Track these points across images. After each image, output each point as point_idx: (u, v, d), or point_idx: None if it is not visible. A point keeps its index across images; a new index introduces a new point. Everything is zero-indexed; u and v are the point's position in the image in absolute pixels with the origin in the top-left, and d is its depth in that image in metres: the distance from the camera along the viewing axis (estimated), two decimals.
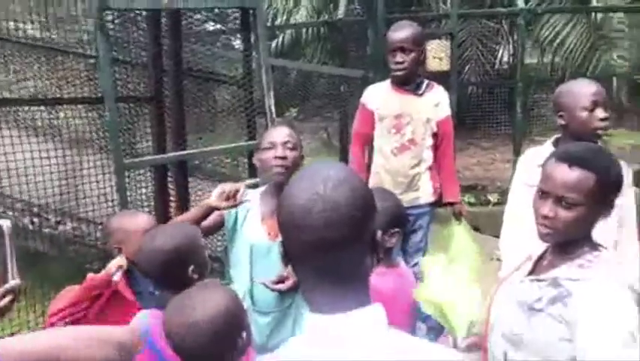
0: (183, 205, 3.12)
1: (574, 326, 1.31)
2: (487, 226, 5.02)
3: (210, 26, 3.57)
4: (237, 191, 1.93)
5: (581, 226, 1.38)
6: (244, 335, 1.33)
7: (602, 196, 1.36)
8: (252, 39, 2.96)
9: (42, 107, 3.40)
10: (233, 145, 2.99)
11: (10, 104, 3.38)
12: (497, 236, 2.45)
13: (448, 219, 3.40)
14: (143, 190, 3.26)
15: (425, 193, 2.95)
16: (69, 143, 3.51)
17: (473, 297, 1.53)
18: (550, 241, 1.44)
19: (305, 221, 0.88)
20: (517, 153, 5.36)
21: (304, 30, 7.59)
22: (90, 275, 1.88)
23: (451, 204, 3.07)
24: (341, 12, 5.68)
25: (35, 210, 3.62)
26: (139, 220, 2.02)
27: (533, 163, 2.03)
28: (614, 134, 6.88)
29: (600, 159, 1.40)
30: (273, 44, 7.58)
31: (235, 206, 1.95)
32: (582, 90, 2.06)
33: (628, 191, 2.06)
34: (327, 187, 0.89)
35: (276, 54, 7.43)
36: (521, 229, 2.02)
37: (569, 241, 1.40)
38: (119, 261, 1.90)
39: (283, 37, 7.82)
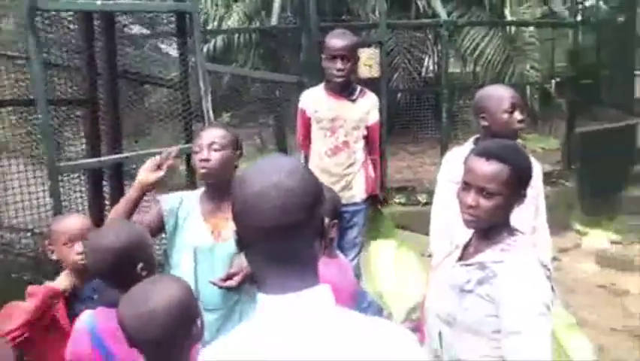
0: None
1: (499, 302, 1.48)
2: (418, 224, 5.28)
3: (143, 29, 3.54)
4: (165, 159, 2.01)
5: (500, 213, 1.55)
6: (198, 322, 1.38)
7: (516, 186, 1.54)
8: (189, 43, 2.98)
9: None
10: (157, 150, 2.99)
11: None
12: (427, 234, 2.62)
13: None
14: (77, 195, 3.17)
15: (359, 191, 3.13)
16: None
17: (417, 282, 1.67)
18: (474, 228, 1.60)
19: (261, 207, 0.95)
20: (444, 155, 5.70)
21: (236, 36, 7.60)
22: (30, 288, 1.83)
23: (375, 196, 3.29)
24: (274, 19, 5.77)
25: None
26: (73, 222, 2.01)
27: (456, 161, 2.22)
28: (528, 138, 7.45)
29: (513, 153, 1.58)
30: (205, 49, 7.53)
31: (164, 175, 2.01)
32: (502, 94, 2.28)
33: (539, 184, 2.30)
34: (281, 176, 0.96)
35: (207, 59, 7.38)
36: (447, 221, 2.20)
37: (490, 227, 1.57)
38: (61, 282, 1.87)
39: (215, 43, 7.78)
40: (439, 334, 1.60)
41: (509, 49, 7.33)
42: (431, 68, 8.42)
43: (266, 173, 0.97)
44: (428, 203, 5.74)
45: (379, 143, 3.34)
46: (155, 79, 3.34)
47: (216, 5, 8.01)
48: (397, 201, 5.85)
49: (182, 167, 3.06)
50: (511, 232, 1.58)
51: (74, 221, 2.04)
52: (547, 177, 6.39)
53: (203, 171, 1.97)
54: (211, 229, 2.02)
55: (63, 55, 3.17)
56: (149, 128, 3.38)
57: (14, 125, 3.25)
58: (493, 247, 1.56)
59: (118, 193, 3.10)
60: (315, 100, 3.10)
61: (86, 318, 1.59)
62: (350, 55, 2.94)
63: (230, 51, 7.84)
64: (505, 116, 2.25)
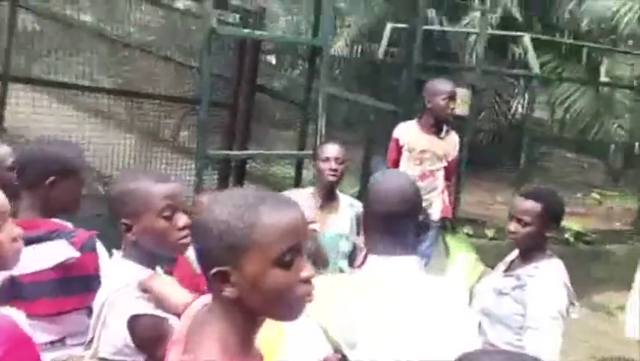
0: None
1: (526, 305, 2.01)
2: (483, 256, 5.67)
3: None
4: None
5: (533, 238, 2.10)
6: None
7: (546, 220, 2.08)
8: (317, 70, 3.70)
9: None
10: (289, 152, 3.73)
11: (110, 93, 4.14)
12: (491, 267, 3.10)
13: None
14: (208, 182, 3.96)
15: (435, 211, 3.73)
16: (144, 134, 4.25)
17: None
18: (515, 247, 2.15)
19: (387, 199, 1.57)
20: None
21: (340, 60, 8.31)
22: None
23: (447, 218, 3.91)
24: (381, 52, 6.42)
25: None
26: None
27: None
28: (608, 195, 7.60)
29: (548, 195, 2.12)
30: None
31: None
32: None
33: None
34: (401, 181, 1.60)
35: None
36: None
37: (529, 249, 2.11)
38: None
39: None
40: (479, 323, 2.16)
41: (599, 105, 7.55)
42: (520, 111, 8.72)
43: (392, 179, 1.62)
44: (495, 238, 6.14)
45: (454, 175, 3.99)
46: (285, 95, 4.11)
47: None
48: (466, 232, 6.26)
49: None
50: (547, 255, 2.12)
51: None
52: (619, 235, 6.57)
53: (331, 178, 2.66)
54: (317, 221, 2.69)
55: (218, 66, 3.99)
56: (272, 136, 4.13)
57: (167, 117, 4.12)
58: (529, 264, 2.10)
59: (239, 185, 3.86)
60: (409, 132, 3.75)
61: None
62: (455, 99, 3.68)
63: (331, 73, 8.56)
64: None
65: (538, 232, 2.09)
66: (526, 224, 2.08)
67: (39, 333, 1.73)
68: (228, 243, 0.98)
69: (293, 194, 2.83)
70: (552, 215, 2.10)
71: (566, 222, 6.27)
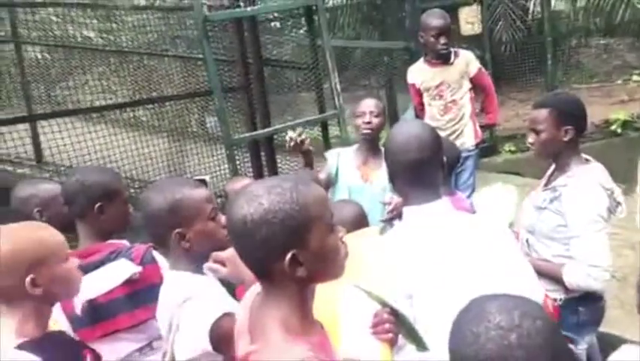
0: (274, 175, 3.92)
1: (565, 215, 2.01)
2: (528, 170, 5.57)
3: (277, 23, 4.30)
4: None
5: (550, 145, 2.07)
6: None
7: (556, 123, 2.03)
8: (316, 29, 3.66)
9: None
10: (311, 118, 3.76)
11: (132, 105, 4.27)
12: (538, 178, 3.05)
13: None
14: (240, 165, 4.05)
15: (469, 138, 3.67)
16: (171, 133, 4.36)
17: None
18: (538, 159, 2.15)
19: (406, 149, 1.58)
20: None
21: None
22: None
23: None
24: None
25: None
26: (247, 183, 2.77)
27: None
28: None
29: (554, 98, 2.09)
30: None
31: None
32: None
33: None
34: (417, 129, 1.62)
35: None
36: None
37: (561, 159, 2.09)
38: None
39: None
40: (527, 240, 2.18)
41: None
42: (538, 9, 8.26)
43: (408, 129, 1.64)
44: None
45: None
46: (292, 63, 4.11)
47: None
48: (507, 149, 6.15)
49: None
50: (581, 161, 2.09)
51: (248, 182, 2.80)
52: None
53: (366, 131, 2.68)
54: (361, 175, 2.75)
55: (222, 51, 4.02)
56: (290, 105, 4.16)
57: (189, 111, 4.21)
58: (563, 174, 2.08)
59: (272, 161, 3.94)
60: (420, 73, 3.68)
61: None
62: (449, 31, 3.50)
63: (333, 18, 8.28)
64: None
65: (554, 137, 2.05)
66: (539, 132, 2.06)
67: (127, 343, 1.90)
68: (292, 227, 1.07)
69: (336, 153, 2.89)
70: (561, 117, 2.05)
71: (610, 114, 6.08)
